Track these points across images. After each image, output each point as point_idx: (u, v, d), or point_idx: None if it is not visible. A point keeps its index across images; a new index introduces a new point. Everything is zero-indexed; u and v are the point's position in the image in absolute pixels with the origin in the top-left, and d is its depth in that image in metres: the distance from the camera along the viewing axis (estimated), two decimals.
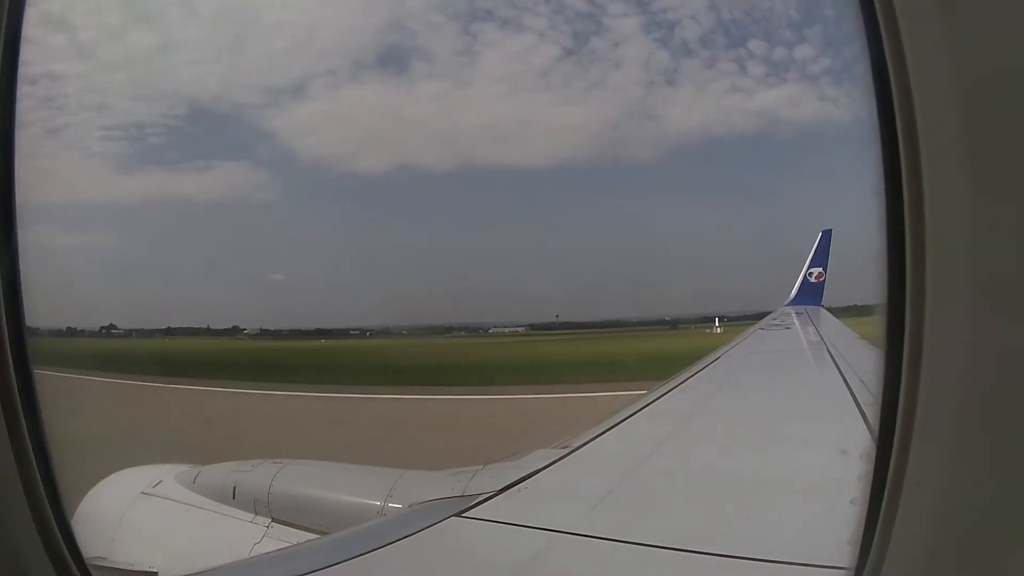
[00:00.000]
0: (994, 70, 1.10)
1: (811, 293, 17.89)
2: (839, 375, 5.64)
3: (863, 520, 1.35)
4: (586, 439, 4.17)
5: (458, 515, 3.09)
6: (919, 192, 1.16)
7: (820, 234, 19.15)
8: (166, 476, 4.66)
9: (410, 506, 3.51)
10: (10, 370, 1.44)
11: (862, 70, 1.24)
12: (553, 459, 3.74)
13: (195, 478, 4.55)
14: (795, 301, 17.65)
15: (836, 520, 1.57)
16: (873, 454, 1.31)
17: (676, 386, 6.07)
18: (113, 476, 5.01)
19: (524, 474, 3.49)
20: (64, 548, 1.57)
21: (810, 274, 18.42)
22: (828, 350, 7.35)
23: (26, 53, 1.53)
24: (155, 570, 3.98)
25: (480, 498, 3.25)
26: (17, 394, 1.46)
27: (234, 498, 4.28)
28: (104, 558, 4.05)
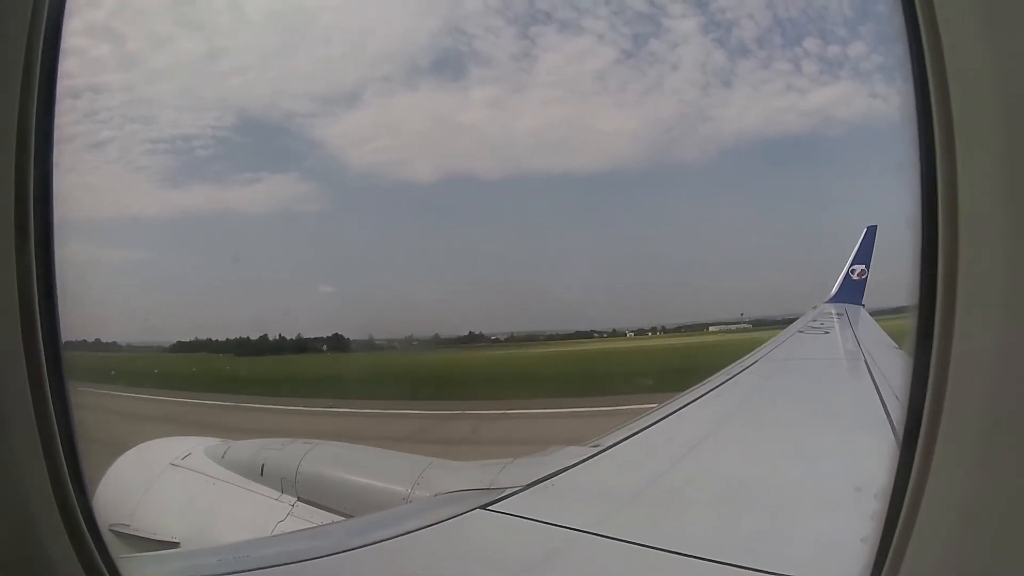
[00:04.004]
0: None
1: (852, 290, 17.45)
2: (873, 387, 5.47)
3: (881, 528, 1.33)
4: (617, 439, 4.11)
5: (483, 507, 3.07)
6: (954, 197, 1.15)
7: (864, 230, 18.63)
8: (195, 449, 4.72)
9: (436, 495, 3.49)
10: (45, 385, 1.46)
11: (902, 77, 1.24)
12: (582, 457, 3.69)
13: (224, 453, 4.60)
14: (836, 298, 17.23)
15: (861, 539, 1.51)
16: (896, 460, 1.29)
17: (711, 390, 5.96)
18: (143, 445, 5.09)
19: (552, 471, 3.45)
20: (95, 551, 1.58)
21: (852, 271, 17.94)
22: (865, 361, 7.12)
23: (69, 65, 1.52)
24: (177, 540, 4.02)
25: (506, 492, 3.23)
26: (52, 406, 1.48)
27: (262, 475, 4.31)
28: (127, 525, 4.12)
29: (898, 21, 1.23)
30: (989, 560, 1.18)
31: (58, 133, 1.49)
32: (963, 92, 1.13)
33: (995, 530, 1.16)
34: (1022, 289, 1.11)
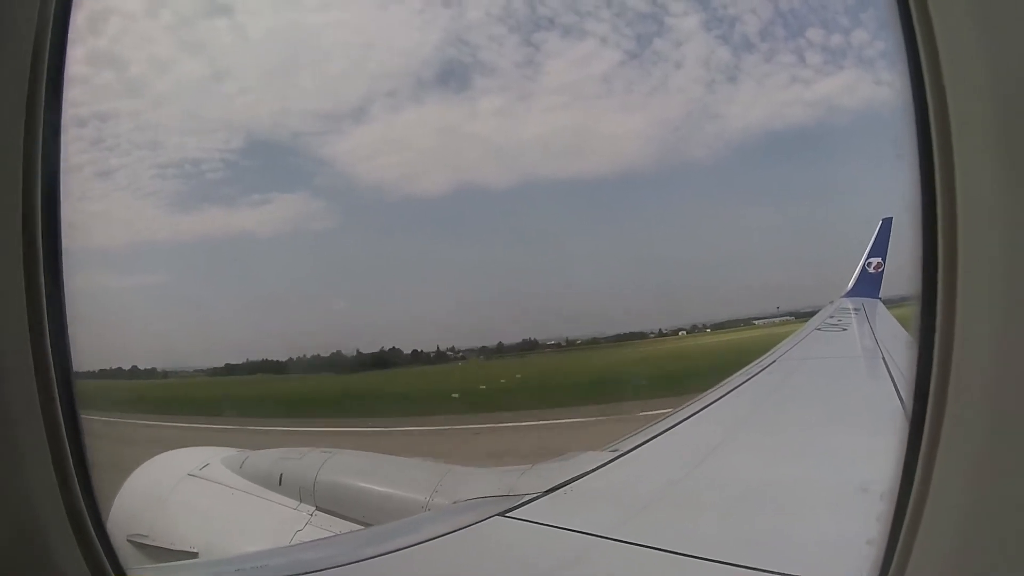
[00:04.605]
0: None
1: (869, 284, 17.23)
2: (893, 386, 5.39)
3: (889, 522, 1.31)
4: (635, 444, 4.08)
5: (502, 515, 3.04)
6: (952, 191, 1.15)
7: (880, 222, 18.40)
8: (213, 459, 4.73)
9: (455, 503, 3.48)
10: (59, 415, 1.47)
11: (898, 72, 1.24)
12: (600, 463, 3.66)
13: (242, 463, 4.61)
14: (852, 292, 17.03)
15: (867, 541, 1.49)
16: (902, 455, 1.28)
17: (729, 392, 5.89)
18: (161, 456, 5.11)
19: (570, 476, 3.43)
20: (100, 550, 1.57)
21: (868, 264, 17.71)
22: (884, 358, 7.02)
23: (74, 94, 1.52)
24: (196, 551, 4.03)
25: (525, 498, 3.20)
26: (64, 432, 1.49)
27: (280, 485, 4.32)
28: (146, 536, 4.13)
29: (893, 21, 1.23)
30: (995, 556, 1.17)
31: (66, 163, 1.49)
32: (957, 81, 1.13)
33: (1000, 528, 1.15)
34: (1020, 285, 1.10)
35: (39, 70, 1.40)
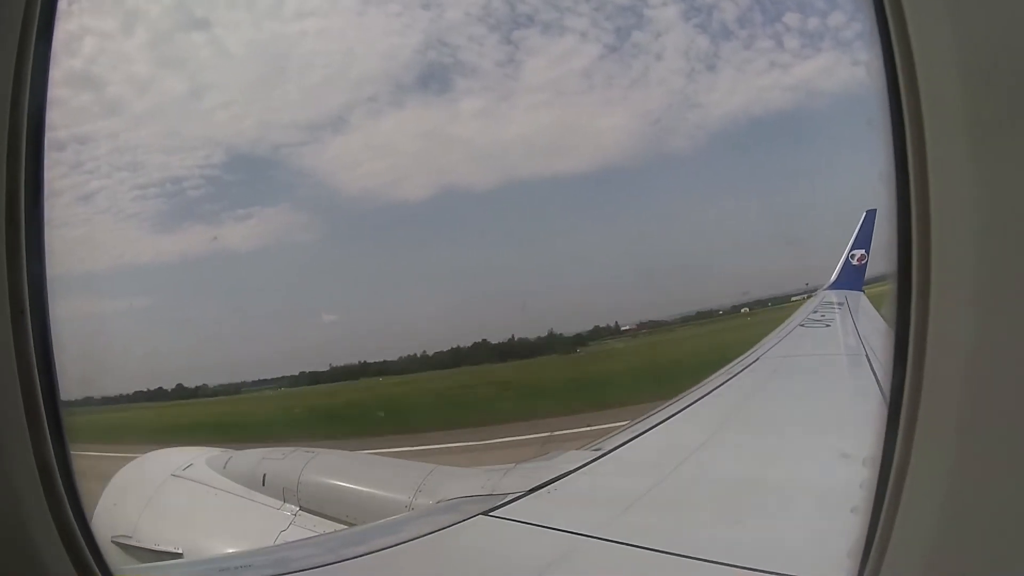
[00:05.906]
0: (999, 63, 1.08)
1: (852, 276, 17.28)
2: (876, 384, 5.41)
3: (866, 522, 1.32)
4: (618, 443, 4.09)
5: (485, 514, 3.05)
6: (925, 189, 1.15)
7: (864, 214, 18.42)
8: (197, 459, 4.71)
9: (438, 502, 3.48)
10: (43, 417, 1.47)
11: (871, 66, 1.23)
12: (584, 461, 3.67)
13: (226, 463, 4.59)
14: (836, 284, 17.07)
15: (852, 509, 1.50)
16: (879, 453, 1.28)
17: (711, 392, 5.90)
18: (144, 456, 5.08)
19: (554, 475, 3.44)
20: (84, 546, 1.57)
21: (852, 256, 17.68)
22: (867, 355, 7.05)
23: (52, 117, 1.50)
24: (180, 551, 4.01)
25: (508, 498, 3.21)
26: (48, 433, 1.48)
27: (264, 485, 4.31)
28: (130, 536, 4.11)
29: (867, 14, 1.23)
30: (971, 553, 1.17)
31: (47, 188, 1.47)
32: (929, 72, 1.13)
33: (976, 525, 1.16)
34: (993, 282, 1.10)
35: (21, 93, 1.39)
